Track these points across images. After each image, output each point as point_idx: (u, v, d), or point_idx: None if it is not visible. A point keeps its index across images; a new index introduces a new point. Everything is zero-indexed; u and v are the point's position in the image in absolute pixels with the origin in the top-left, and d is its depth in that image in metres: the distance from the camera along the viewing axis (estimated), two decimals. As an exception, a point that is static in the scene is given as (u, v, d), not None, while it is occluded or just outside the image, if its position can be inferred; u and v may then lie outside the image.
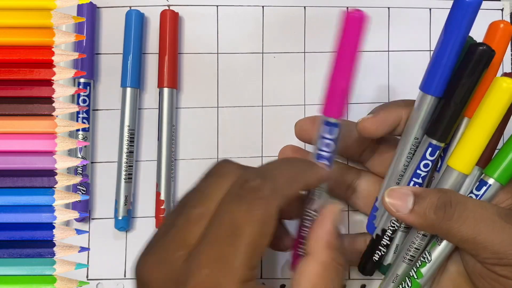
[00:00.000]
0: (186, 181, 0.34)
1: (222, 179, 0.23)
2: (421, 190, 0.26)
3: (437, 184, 0.27)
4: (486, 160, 0.26)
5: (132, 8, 0.34)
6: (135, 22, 0.33)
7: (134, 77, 0.33)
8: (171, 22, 0.33)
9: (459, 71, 0.24)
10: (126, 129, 0.32)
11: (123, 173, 0.32)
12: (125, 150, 0.32)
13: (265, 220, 0.21)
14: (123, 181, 0.32)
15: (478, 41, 0.24)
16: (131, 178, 0.33)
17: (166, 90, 0.33)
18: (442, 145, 0.26)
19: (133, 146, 0.33)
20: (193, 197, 0.23)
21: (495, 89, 0.24)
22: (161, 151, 0.33)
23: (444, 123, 0.25)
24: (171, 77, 0.33)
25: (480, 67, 0.24)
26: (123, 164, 0.32)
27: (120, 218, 0.32)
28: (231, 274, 0.20)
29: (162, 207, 0.32)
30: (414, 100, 0.27)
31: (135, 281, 0.22)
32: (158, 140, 0.33)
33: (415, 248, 0.27)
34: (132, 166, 0.33)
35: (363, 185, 0.31)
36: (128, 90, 0.33)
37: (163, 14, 0.33)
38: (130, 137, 0.33)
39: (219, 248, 0.20)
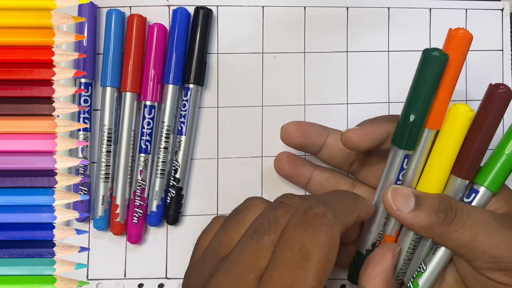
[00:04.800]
0: (186, 181, 0.34)
1: (290, 208, 0.24)
2: (421, 193, 0.26)
3: None
4: (468, 170, 0.26)
5: (132, 8, 0.34)
6: (115, 22, 0.32)
7: (114, 77, 0.32)
8: (138, 26, 0.32)
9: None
10: (104, 128, 0.32)
11: (101, 172, 0.32)
12: (103, 149, 0.32)
13: (330, 245, 0.22)
14: (100, 180, 0.32)
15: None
16: (108, 177, 0.32)
17: (128, 95, 0.32)
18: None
19: (110, 145, 0.32)
20: (265, 225, 0.23)
21: (451, 117, 0.24)
22: (120, 155, 0.32)
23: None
24: (134, 82, 0.32)
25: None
26: (101, 164, 0.32)
27: (97, 217, 0.32)
28: None
29: (117, 211, 0.32)
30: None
31: None
32: (115, 143, 0.33)
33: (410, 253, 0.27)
34: (109, 165, 0.32)
35: None
36: (108, 89, 0.32)
37: (130, 18, 0.33)
38: (108, 137, 0.32)
39: (291, 271, 0.21)
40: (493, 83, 0.25)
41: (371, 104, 0.34)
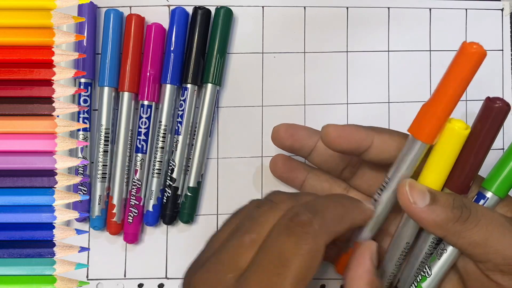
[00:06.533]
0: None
1: (275, 209, 0.24)
2: (434, 190, 0.25)
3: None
4: (463, 184, 0.25)
5: (132, 8, 0.34)
6: (113, 22, 0.32)
7: (111, 76, 0.32)
8: (136, 26, 0.32)
9: None
10: (101, 128, 0.32)
11: (98, 172, 0.32)
12: (100, 149, 0.32)
13: (312, 254, 0.22)
14: (97, 180, 0.32)
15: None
16: (105, 177, 0.32)
17: (125, 94, 0.32)
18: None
19: (107, 145, 0.32)
20: (246, 223, 0.24)
21: (446, 133, 0.24)
22: (117, 155, 0.32)
23: None
24: (131, 81, 0.32)
25: None
26: (98, 163, 0.32)
27: (93, 217, 0.32)
28: None
29: (113, 211, 0.32)
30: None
31: None
32: (112, 143, 0.33)
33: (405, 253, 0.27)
34: (106, 165, 0.32)
35: None
36: (106, 89, 0.32)
37: (128, 18, 0.32)
38: (105, 137, 0.32)
39: (267, 276, 0.21)
40: (490, 97, 0.24)
41: (371, 104, 0.34)
